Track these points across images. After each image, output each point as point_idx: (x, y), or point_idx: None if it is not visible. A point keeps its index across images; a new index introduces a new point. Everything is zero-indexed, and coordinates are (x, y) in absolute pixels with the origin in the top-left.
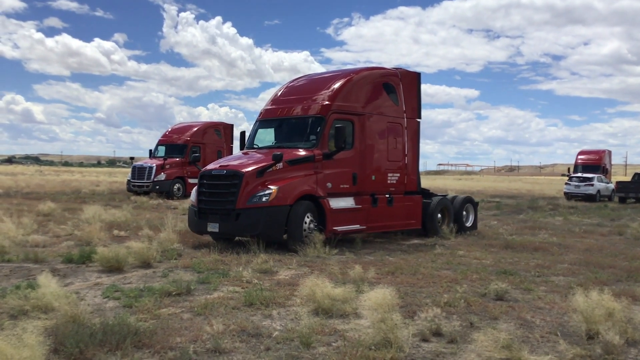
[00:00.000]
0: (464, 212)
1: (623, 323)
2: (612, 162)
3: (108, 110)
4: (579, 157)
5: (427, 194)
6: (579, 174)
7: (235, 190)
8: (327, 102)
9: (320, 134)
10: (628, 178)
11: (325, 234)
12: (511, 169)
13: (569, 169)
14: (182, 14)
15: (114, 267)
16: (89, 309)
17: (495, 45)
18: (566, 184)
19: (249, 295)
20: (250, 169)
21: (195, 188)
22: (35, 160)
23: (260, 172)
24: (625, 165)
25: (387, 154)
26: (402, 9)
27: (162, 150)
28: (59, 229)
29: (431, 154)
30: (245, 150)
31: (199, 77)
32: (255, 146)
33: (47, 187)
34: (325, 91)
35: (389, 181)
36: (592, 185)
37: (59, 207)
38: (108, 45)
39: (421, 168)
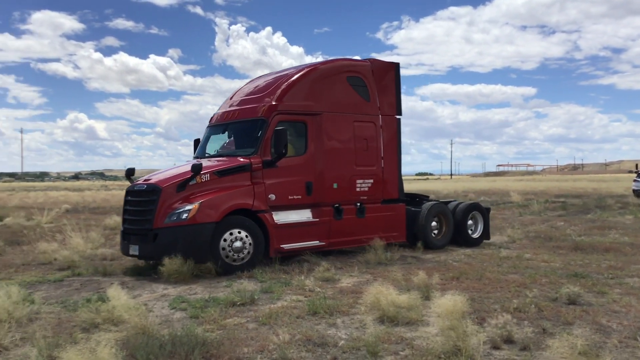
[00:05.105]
0: (470, 221)
1: None
2: None
3: (167, 124)
4: None
5: (416, 201)
6: None
7: (153, 207)
8: (273, 103)
9: (260, 139)
10: None
11: (269, 253)
12: (575, 168)
13: (636, 165)
14: (233, 27)
15: (180, 279)
16: (157, 320)
17: (551, 41)
18: (635, 181)
19: (312, 304)
20: (170, 182)
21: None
22: (100, 175)
23: (180, 186)
24: None
25: (355, 158)
26: (452, 9)
27: None
28: None
29: (489, 155)
30: (190, 160)
31: None
32: (207, 155)
33: (113, 201)
34: (275, 90)
35: (358, 189)
36: None
37: None
38: (163, 61)
39: (479, 169)
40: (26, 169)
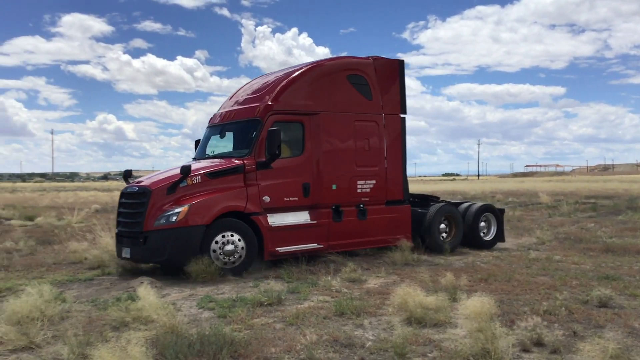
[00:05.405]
0: (482, 223)
1: None
2: None
3: (193, 125)
4: None
5: (426, 202)
6: None
7: (143, 210)
8: (269, 103)
9: (255, 140)
10: None
11: (263, 257)
12: (605, 168)
13: None
14: (259, 28)
15: (207, 278)
16: (185, 320)
17: (581, 40)
18: None
19: (339, 304)
20: (160, 184)
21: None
22: None
23: (171, 188)
24: None
25: (355, 158)
26: (479, 8)
27: None
28: None
29: (517, 155)
30: (189, 161)
31: None
32: (206, 156)
33: None
34: (272, 89)
35: (359, 190)
36: None
37: None
38: (190, 62)
39: (507, 170)
40: (57, 170)
